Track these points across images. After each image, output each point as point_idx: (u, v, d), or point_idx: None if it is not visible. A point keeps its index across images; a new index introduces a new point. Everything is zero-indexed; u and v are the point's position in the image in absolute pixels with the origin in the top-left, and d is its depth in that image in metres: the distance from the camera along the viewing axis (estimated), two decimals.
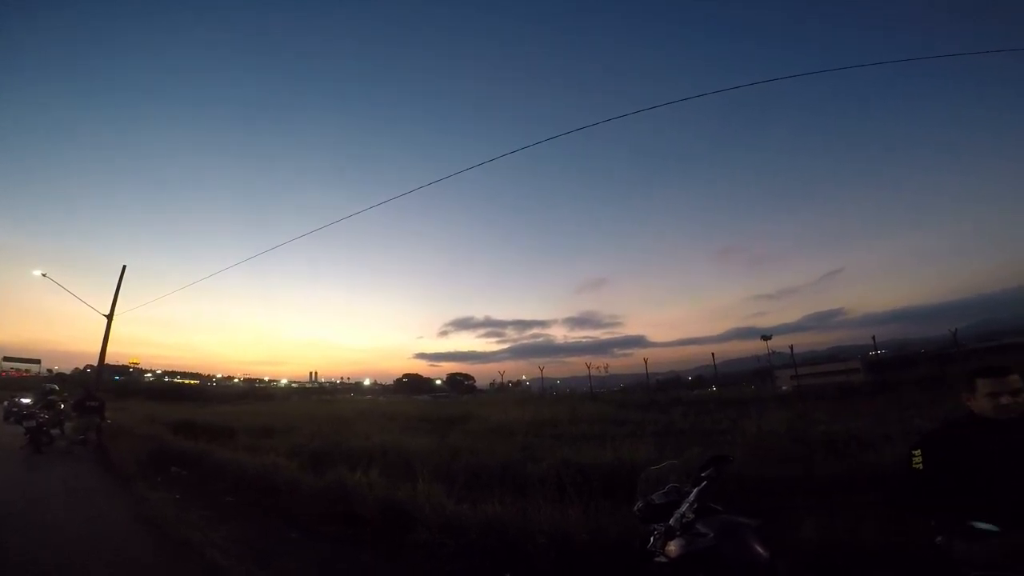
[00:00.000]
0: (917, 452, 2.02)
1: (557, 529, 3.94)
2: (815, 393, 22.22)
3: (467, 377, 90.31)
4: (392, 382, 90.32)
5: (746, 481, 5.77)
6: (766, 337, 39.25)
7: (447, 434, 11.89)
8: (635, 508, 2.36)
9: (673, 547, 2.00)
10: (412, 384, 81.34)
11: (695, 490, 2.08)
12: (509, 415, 16.72)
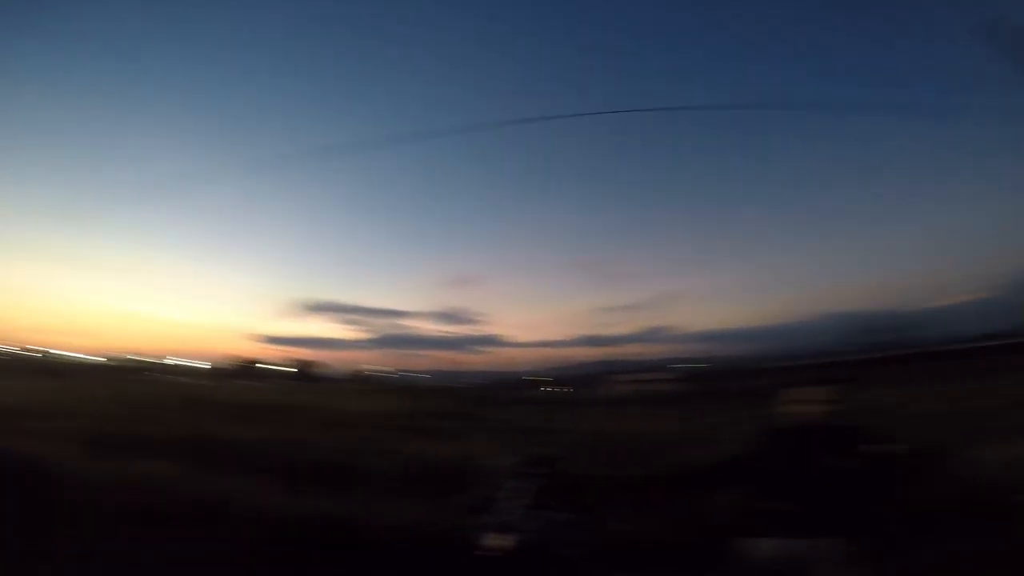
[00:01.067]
0: (745, 448, 2.27)
1: (389, 523, 3.88)
2: (643, 398, 24.96)
3: (316, 364, 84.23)
4: (229, 365, 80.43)
5: (574, 478, 6.20)
6: (606, 345, 44.55)
7: (283, 424, 10.88)
8: (465, 502, 2.34)
9: (500, 542, 2.02)
10: (251, 368, 73.36)
11: (525, 486, 2.13)
12: (357, 406, 15.96)
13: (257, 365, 78.72)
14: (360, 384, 31.91)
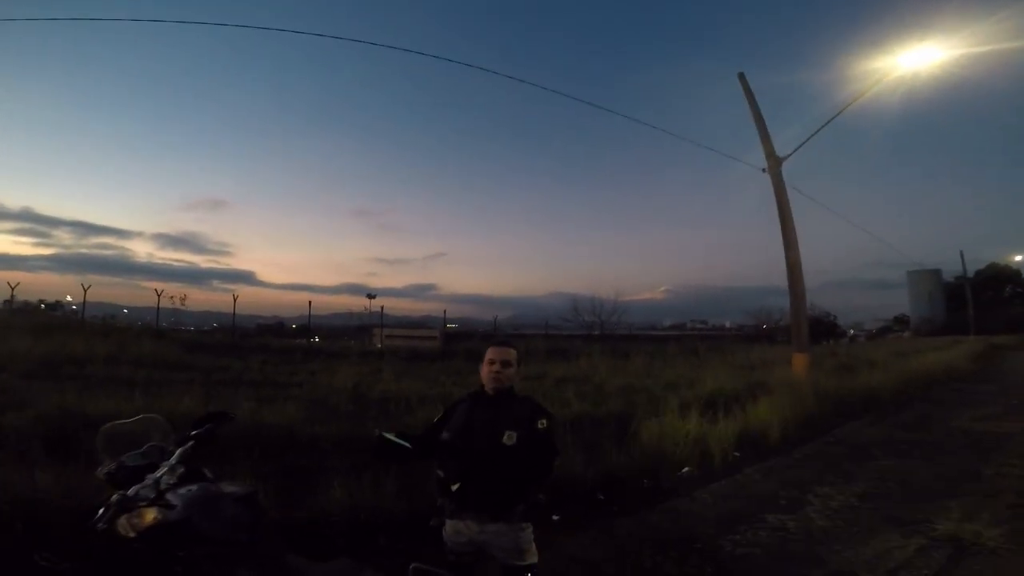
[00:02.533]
0: (440, 411, 2.29)
1: (16, 495, 3.33)
2: (400, 353, 25.06)
3: None
4: None
5: (297, 438, 5.61)
6: (371, 296, 43.96)
7: None
8: (102, 471, 1.86)
9: (137, 519, 1.59)
10: None
11: (178, 451, 1.81)
12: (11, 347, 11.77)
13: None
14: (29, 317, 23.71)
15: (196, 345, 18.24)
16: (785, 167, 12.93)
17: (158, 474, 1.75)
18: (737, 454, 6.37)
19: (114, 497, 1.72)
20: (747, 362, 16.99)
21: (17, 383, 7.76)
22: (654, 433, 6.23)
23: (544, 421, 2.08)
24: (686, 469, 5.73)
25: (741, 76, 13.67)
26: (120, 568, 1.66)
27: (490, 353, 2.20)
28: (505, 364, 2.16)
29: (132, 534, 1.61)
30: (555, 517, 4.14)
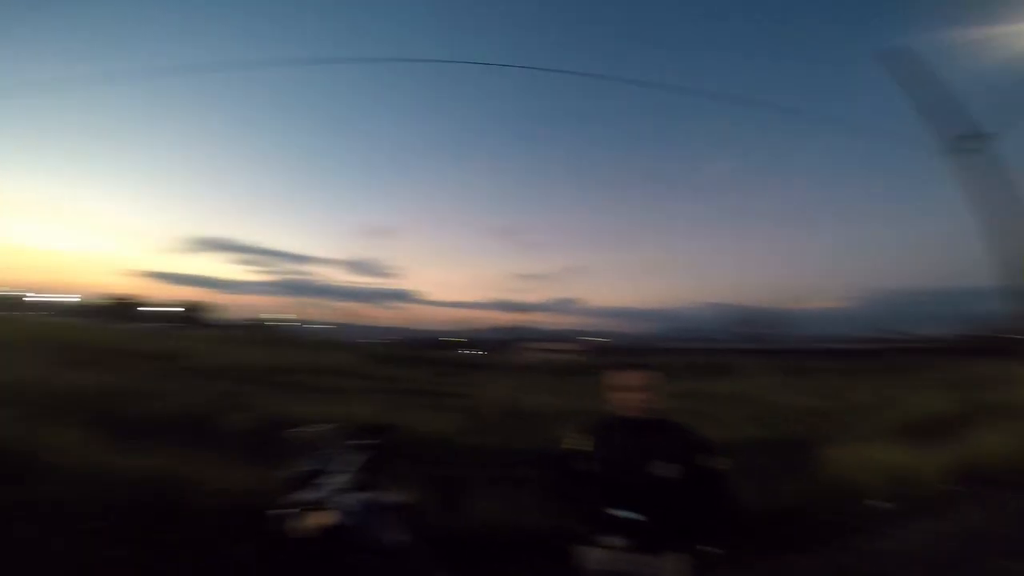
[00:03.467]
0: (572, 436, 2.06)
1: (232, 491, 3.57)
2: (546, 366, 25.58)
3: (202, 307, 76.87)
4: (103, 302, 70.90)
5: (450, 446, 5.95)
6: (520, 311, 45.70)
7: (137, 372, 9.61)
8: (283, 472, 2.08)
9: (313, 521, 1.77)
10: (124, 308, 65.59)
11: (351, 459, 1.93)
12: (237, 357, 14.63)
13: (136, 304, 70.73)
14: (252, 332, 29.54)
15: (373, 356, 20.83)
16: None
17: (332, 480, 1.88)
18: (954, 488, 5.19)
19: (291, 498, 1.89)
20: (965, 379, 13.82)
21: (239, 389, 9.24)
22: (843, 461, 5.39)
23: (720, 459, 1.88)
24: (884, 503, 4.83)
25: (919, 55, 11.34)
26: (291, 565, 1.79)
27: (617, 378, 1.99)
28: (639, 389, 1.96)
29: (303, 535, 1.76)
30: (718, 551, 3.82)
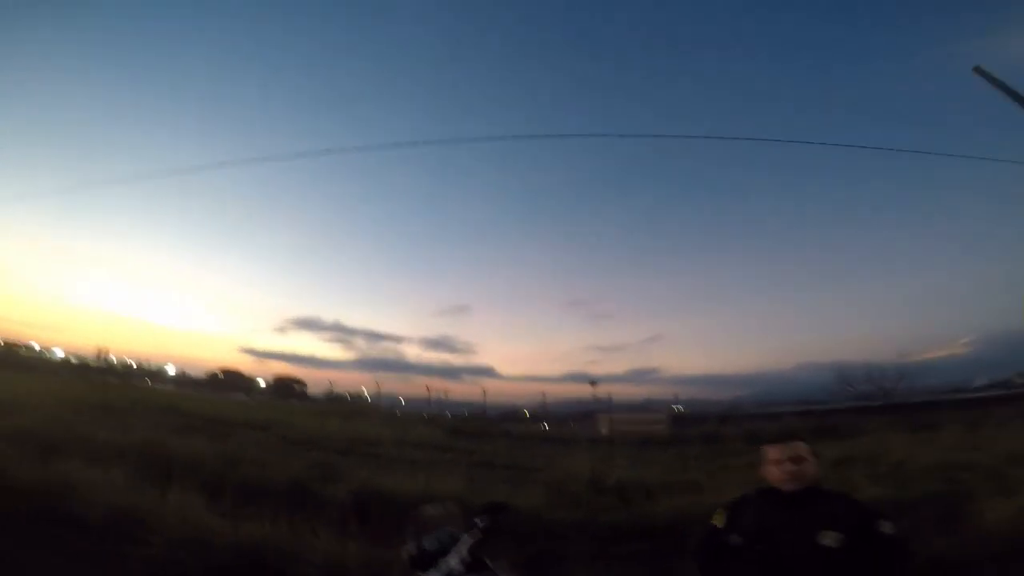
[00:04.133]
0: (720, 512, 2.05)
1: (332, 562, 3.65)
2: (628, 439, 24.36)
3: (296, 381, 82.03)
4: (205, 375, 77.92)
5: (540, 523, 5.85)
6: (593, 383, 44.06)
7: (243, 441, 10.39)
8: (404, 552, 2.09)
9: None
10: (228, 380, 71.18)
11: (466, 540, 1.89)
12: (326, 428, 15.42)
13: (236, 377, 76.75)
14: (339, 405, 31.02)
15: (454, 430, 21.03)
16: None
17: (450, 561, 1.89)
18: None
19: None
20: None
21: (333, 458, 9.81)
22: (1004, 514, 4.70)
23: (890, 524, 1.79)
24: None
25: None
26: None
27: (772, 452, 1.99)
28: (796, 460, 1.93)
29: None
30: None
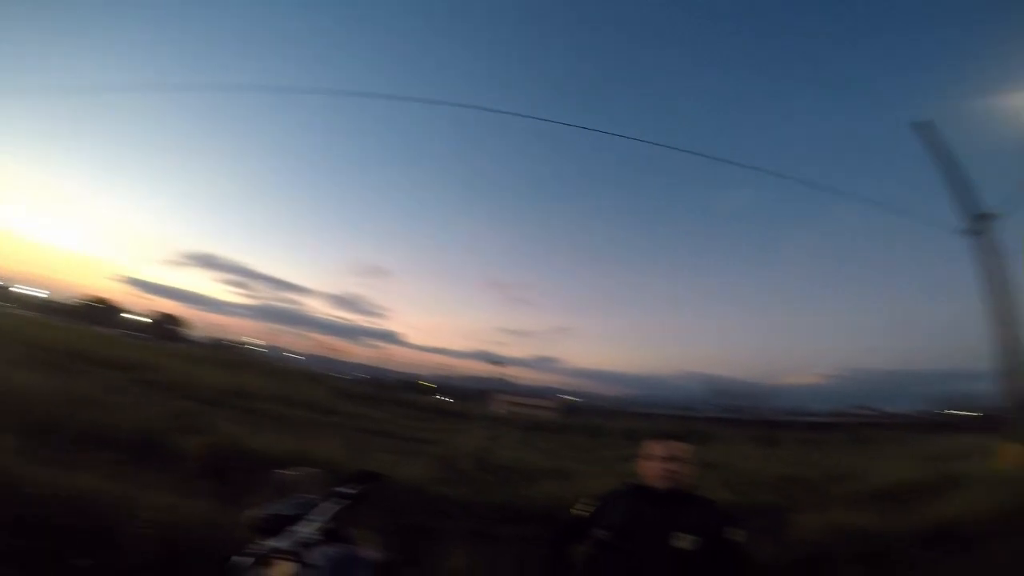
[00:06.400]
0: (583, 503, 2.03)
1: (173, 522, 3.29)
2: (518, 420, 25.07)
3: (181, 322, 74.78)
4: (78, 302, 68.32)
5: (423, 497, 5.69)
6: (498, 363, 45.55)
7: (91, 380, 9.11)
8: (252, 516, 1.82)
9: (274, 571, 1.54)
10: (103, 312, 63.34)
11: (326, 508, 1.73)
12: (201, 376, 14.07)
13: (111, 309, 68.46)
14: (223, 353, 28.62)
15: (344, 392, 20.17)
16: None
17: (303, 529, 1.70)
18: (920, 551, 5.03)
19: (256, 544, 1.68)
20: (935, 452, 14.12)
21: (199, 409, 8.78)
22: (814, 526, 5.30)
23: (739, 532, 1.82)
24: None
25: (924, 124, 11.96)
26: None
27: (656, 448, 1.97)
28: (676, 460, 1.93)
29: None
30: None
